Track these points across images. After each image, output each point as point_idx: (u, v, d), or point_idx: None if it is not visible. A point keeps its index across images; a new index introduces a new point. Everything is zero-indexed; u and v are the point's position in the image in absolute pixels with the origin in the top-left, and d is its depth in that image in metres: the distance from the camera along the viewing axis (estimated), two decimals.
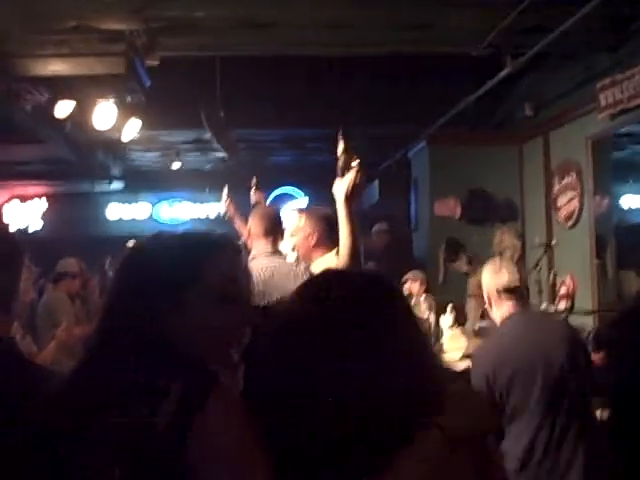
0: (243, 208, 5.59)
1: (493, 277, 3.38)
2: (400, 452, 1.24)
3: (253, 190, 5.65)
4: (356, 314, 1.30)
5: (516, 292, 3.37)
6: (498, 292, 3.36)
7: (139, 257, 1.53)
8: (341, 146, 2.56)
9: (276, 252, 4.03)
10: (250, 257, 4.00)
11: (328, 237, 4.56)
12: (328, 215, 4.61)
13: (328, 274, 1.49)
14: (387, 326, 1.29)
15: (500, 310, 3.40)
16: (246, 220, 5.56)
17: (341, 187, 2.55)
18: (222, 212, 5.62)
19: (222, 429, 1.28)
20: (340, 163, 2.57)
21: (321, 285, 1.39)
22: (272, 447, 1.25)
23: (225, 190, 5.78)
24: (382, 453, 1.22)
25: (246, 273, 2.74)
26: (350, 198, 2.56)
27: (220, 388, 1.31)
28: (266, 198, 7.27)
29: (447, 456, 1.25)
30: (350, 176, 2.54)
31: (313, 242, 4.30)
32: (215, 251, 1.52)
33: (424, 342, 1.39)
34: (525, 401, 3.24)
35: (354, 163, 2.55)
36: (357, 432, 1.21)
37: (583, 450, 3.14)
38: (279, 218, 4.21)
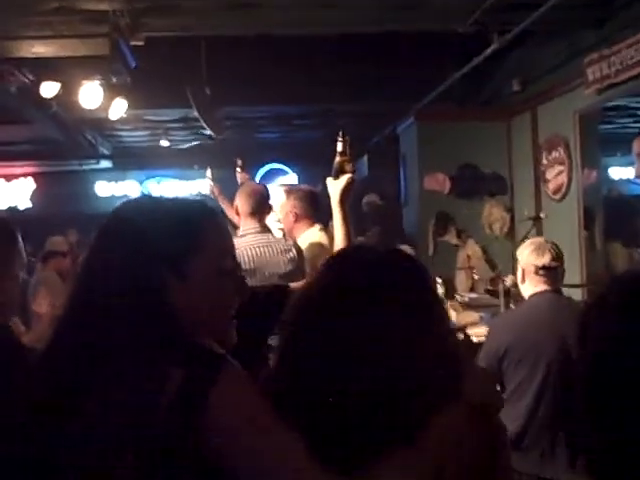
0: (232, 185, 5.58)
1: (533, 254, 3.39)
2: (431, 421, 1.24)
3: (238, 171, 5.66)
4: (390, 296, 1.28)
5: (553, 272, 3.40)
6: (536, 269, 3.38)
7: (129, 225, 1.39)
8: (340, 147, 2.55)
9: (264, 229, 4.07)
10: (239, 235, 4.02)
11: (308, 213, 4.60)
12: (307, 192, 4.64)
13: (360, 252, 1.45)
14: (422, 308, 1.29)
15: (532, 287, 3.42)
16: (232, 201, 5.58)
17: (335, 189, 2.55)
18: (208, 194, 5.62)
19: (242, 399, 1.24)
20: (335, 164, 2.56)
21: (355, 265, 1.36)
22: (303, 426, 1.23)
23: (208, 173, 5.78)
24: (415, 424, 1.23)
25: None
26: (343, 200, 2.57)
27: (229, 363, 1.26)
28: (252, 178, 7.27)
29: (468, 425, 1.29)
30: (344, 180, 2.53)
31: (293, 219, 4.36)
32: (211, 220, 1.43)
33: (449, 325, 1.41)
34: (528, 383, 3.27)
35: (349, 168, 2.55)
36: (390, 406, 1.22)
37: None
38: (266, 195, 4.24)
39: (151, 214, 1.39)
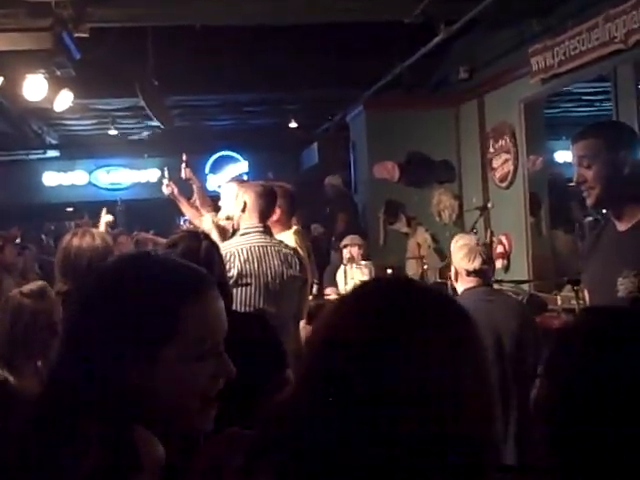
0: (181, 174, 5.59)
1: (465, 259, 3.54)
2: None
3: (183, 167, 5.62)
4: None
5: (483, 272, 3.56)
6: (467, 272, 3.54)
7: (108, 299, 1.29)
8: None
9: (267, 230, 4.00)
10: (240, 233, 3.98)
11: (289, 214, 4.60)
12: (291, 191, 4.64)
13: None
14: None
15: (463, 285, 3.59)
16: (189, 199, 5.55)
17: None
18: (165, 193, 5.56)
19: None
20: None
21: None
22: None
23: (165, 172, 5.74)
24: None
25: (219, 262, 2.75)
26: None
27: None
28: (202, 167, 7.22)
29: None
30: None
31: (276, 218, 4.32)
32: (194, 304, 1.29)
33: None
34: None
35: None
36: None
37: (515, 429, 3.30)
38: (275, 197, 4.17)
39: (132, 291, 1.29)
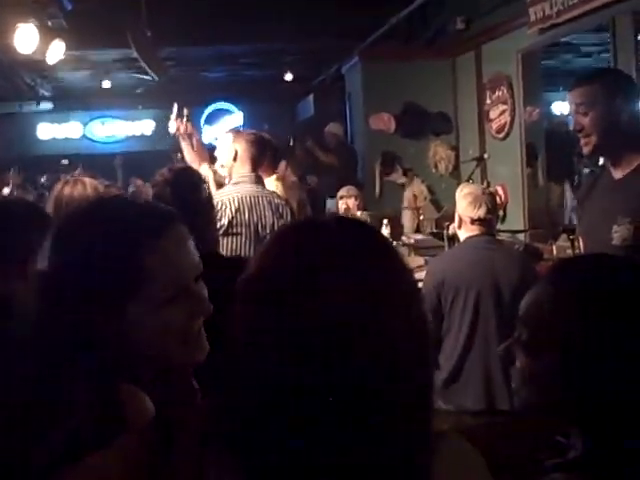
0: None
1: (470, 207, 3.54)
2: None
3: (185, 120, 5.53)
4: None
5: (487, 221, 3.57)
6: (472, 221, 3.55)
7: (86, 238, 1.23)
8: None
9: (259, 180, 3.98)
10: (232, 182, 3.97)
11: (272, 162, 4.58)
12: (272, 141, 4.62)
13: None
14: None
15: (467, 233, 3.60)
16: (194, 141, 5.50)
17: None
18: (171, 131, 5.48)
19: None
20: None
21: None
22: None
23: (174, 108, 5.61)
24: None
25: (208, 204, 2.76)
26: None
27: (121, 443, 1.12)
28: (198, 120, 7.15)
29: None
30: None
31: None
32: (165, 235, 1.25)
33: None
34: (461, 316, 3.43)
35: None
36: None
37: (506, 363, 3.34)
38: (266, 146, 4.15)
39: (109, 232, 1.24)
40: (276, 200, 3.91)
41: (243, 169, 3.93)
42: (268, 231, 3.76)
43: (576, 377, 1.22)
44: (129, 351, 1.21)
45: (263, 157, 4.09)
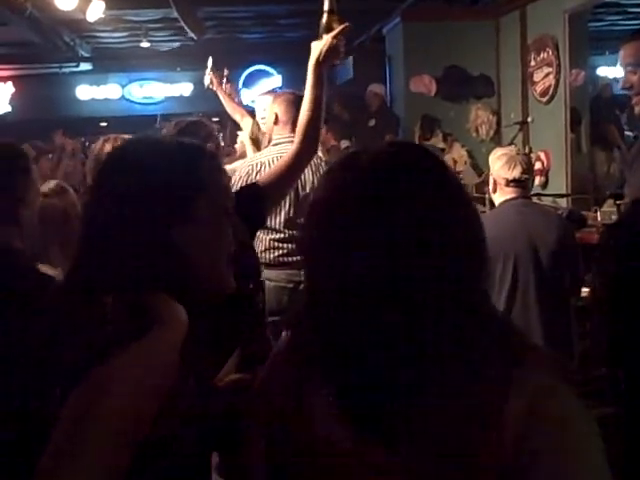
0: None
1: (504, 167, 3.45)
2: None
3: (224, 81, 5.49)
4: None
5: (523, 183, 3.48)
6: (507, 182, 3.46)
7: (131, 164, 1.31)
8: (326, 4, 2.32)
9: None
10: (272, 143, 3.92)
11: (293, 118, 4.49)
12: (294, 96, 4.53)
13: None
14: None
15: (502, 196, 3.52)
16: (230, 95, 5.46)
17: (316, 49, 2.36)
18: (206, 85, 5.47)
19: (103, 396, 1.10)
20: (322, 23, 2.34)
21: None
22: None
23: (209, 63, 5.58)
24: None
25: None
26: (322, 62, 2.37)
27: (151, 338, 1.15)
28: (236, 83, 7.09)
29: None
30: (328, 38, 2.33)
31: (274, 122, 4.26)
32: (212, 161, 1.38)
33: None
34: (501, 278, 3.36)
35: (337, 26, 2.32)
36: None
37: (546, 329, 3.30)
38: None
39: (153, 154, 1.33)
40: (316, 160, 3.84)
41: (284, 130, 3.87)
42: (308, 190, 3.72)
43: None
44: (184, 263, 1.27)
45: None
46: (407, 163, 1.10)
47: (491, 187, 3.57)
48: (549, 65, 6.90)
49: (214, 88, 5.42)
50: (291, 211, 3.70)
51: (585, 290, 3.53)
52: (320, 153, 4.30)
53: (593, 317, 1.27)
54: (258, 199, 2.49)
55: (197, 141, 1.43)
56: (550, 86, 6.92)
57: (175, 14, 7.76)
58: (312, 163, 3.80)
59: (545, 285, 3.35)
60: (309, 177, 3.76)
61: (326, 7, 2.34)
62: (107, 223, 1.26)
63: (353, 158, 1.13)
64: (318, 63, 2.39)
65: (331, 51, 2.36)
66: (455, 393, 1.01)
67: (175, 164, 1.31)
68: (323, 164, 3.90)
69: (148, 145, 1.38)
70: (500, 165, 3.47)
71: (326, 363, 1.11)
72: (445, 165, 1.16)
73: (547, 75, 6.96)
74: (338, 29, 2.33)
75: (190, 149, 1.36)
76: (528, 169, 3.51)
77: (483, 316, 1.08)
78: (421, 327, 1.03)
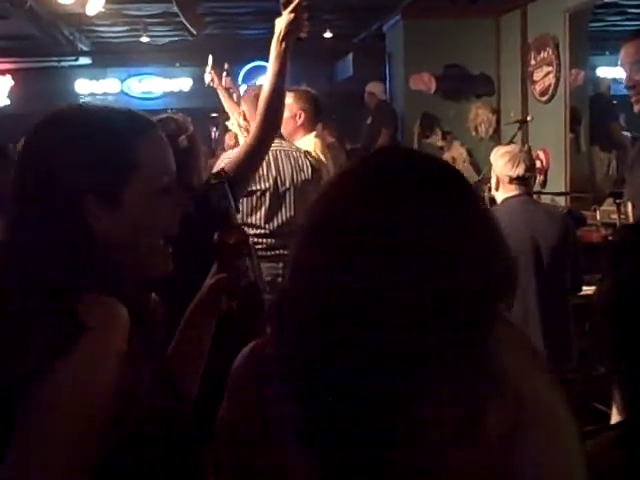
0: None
1: (508, 165, 3.47)
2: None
3: (224, 75, 5.48)
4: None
5: (526, 181, 3.51)
6: (510, 180, 3.48)
7: (46, 151, 1.21)
8: None
9: (281, 135, 3.92)
10: None
11: (313, 118, 4.50)
12: (316, 96, 4.53)
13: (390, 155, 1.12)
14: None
15: (505, 194, 3.54)
16: (230, 93, 5.45)
17: (277, 25, 2.40)
18: (207, 83, 5.46)
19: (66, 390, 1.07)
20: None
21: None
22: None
23: (210, 60, 5.57)
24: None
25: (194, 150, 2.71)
26: (284, 37, 2.40)
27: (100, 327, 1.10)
28: (235, 80, 7.06)
29: None
30: (286, 13, 2.38)
31: (300, 122, 4.25)
32: (146, 135, 1.26)
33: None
34: None
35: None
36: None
37: (545, 327, 3.30)
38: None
39: (75, 134, 1.22)
40: (294, 153, 3.81)
41: None
42: (287, 185, 3.69)
43: None
44: (115, 248, 1.21)
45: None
46: (425, 177, 1.02)
47: (494, 185, 3.58)
48: (549, 64, 6.90)
49: (215, 86, 5.41)
50: (272, 205, 3.68)
51: (587, 289, 3.53)
52: (319, 150, 4.29)
53: (595, 315, 1.24)
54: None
55: (137, 115, 1.32)
56: (550, 85, 6.92)
57: (175, 9, 7.75)
58: (290, 156, 3.77)
59: (546, 285, 3.35)
60: (288, 171, 3.73)
61: None
62: (25, 223, 1.18)
63: (365, 168, 1.07)
64: (279, 40, 2.42)
65: (292, 25, 2.40)
66: (434, 421, 0.94)
67: (95, 149, 1.20)
68: (302, 157, 3.85)
69: (67, 128, 1.24)
70: (503, 163, 3.48)
71: (296, 387, 1.01)
72: (467, 182, 1.08)
73: (547, 74, 6.96)
74: (294, 3, 2.38)
75: (118, 126, 1.24)
76: (531, 167, 3.54)
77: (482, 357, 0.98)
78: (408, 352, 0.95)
